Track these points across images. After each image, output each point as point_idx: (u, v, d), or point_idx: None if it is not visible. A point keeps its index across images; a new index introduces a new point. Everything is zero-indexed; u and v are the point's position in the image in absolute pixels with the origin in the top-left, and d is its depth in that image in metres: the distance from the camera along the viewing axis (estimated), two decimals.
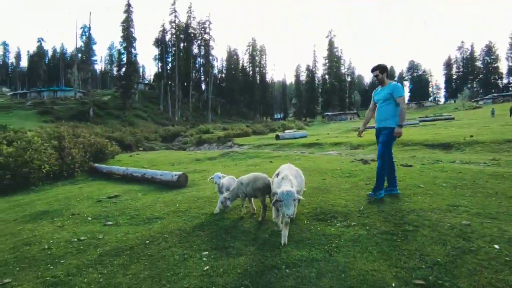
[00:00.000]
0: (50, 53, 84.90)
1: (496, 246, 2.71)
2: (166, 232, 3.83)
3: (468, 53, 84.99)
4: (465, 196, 4.23)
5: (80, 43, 63.44)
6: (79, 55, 65.03)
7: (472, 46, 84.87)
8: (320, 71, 78.25)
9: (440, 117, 34.96)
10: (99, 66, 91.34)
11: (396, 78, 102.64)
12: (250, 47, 79.69)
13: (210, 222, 4.08)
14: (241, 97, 73.79)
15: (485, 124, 20.43)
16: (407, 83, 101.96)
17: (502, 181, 4.82)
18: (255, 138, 26.76)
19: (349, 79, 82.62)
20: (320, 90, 77.11)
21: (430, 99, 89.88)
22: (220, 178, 4.56)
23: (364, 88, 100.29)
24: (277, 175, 3.52)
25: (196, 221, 4.16)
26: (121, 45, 50.44)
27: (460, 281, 2.33)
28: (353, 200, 4.43)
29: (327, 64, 74.38)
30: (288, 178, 3.29)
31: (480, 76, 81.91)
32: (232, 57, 78.56)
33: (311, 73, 78.15)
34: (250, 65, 79.79)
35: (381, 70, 4.54)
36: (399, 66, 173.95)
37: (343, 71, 78.76)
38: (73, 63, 59.05)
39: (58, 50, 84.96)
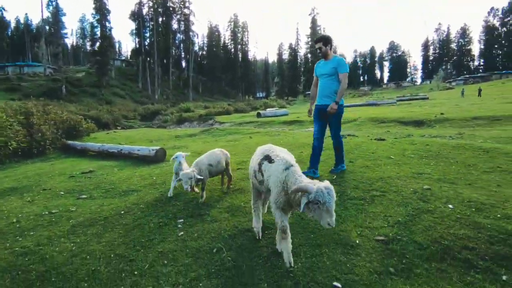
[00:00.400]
0: (13, 24, 78.26)
1: (450, 206, 2.94)
2: (142, 203, 3.84)
3: (444, 35, 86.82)
4: (429, 165, 4.49)
5: (46, 14, 58.72)
6: (47, 27, 60.31)
7: (448, 28, 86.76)
8: (303, 50, 77.47)
9: (416, 96, 36.08)
10: (70, 40, 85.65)
11: (376, 58, 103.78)
12: (232, 23, 77.23)
13: (186, 192, 4.11)
14: (222, 75, 72.17)
15: (455, 103, 21.36)
16: (386, 63, 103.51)
17: (463, 152, 5.14)
18: (237, 116, 26.62)
19: None
20: (302, 69, 76.70)
21: (407, 80, 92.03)
22: (183, 158, 4.22)
23: None
24: (268, 158, 2.65)
25: (173, 192, 4.17)
26: (94, 17, 47.34)
27: (416, 236, 2.53)
28: (327, 170, 4.59)
29: (310, 43, 73.65)
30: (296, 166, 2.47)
31: (454, 58, 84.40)
32: (213, 33, 75.91)
33: (293, 51, 77.34)
34: (232, 42, 77.67)
35: (324, 42, 4.19)
36: (380, 47, 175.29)
37: None
38: (40, 36, 54.75)
39: (22, 21, 78.47)
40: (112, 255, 2.67)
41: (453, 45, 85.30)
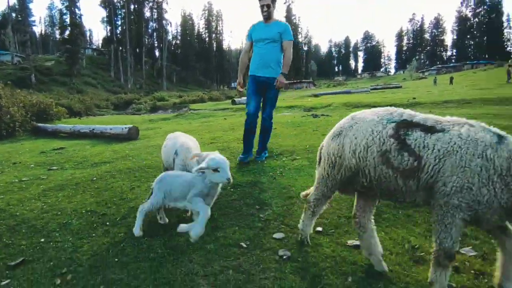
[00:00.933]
0: None
1: None
2: (114, 171, 3.83)
3: (418, 25, 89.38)
4: None
5: (13, 1, 54.80)
6: (13, 14, 56.23)
7: (422, 18, 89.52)
8: None
9: (389, 85, 37.19)
10: (38, 29, 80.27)
11: (351, 48, 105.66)
12: (206, 12, 75.56)
13: (159, 162, 4.12)
14: (197, 65, 70.62)
15: (427, 91, 22.35)
16: (361, 54, 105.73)
17: None
18: (211, 104, 26.31)
19: (306, 48, 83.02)
20: None
21: (381, 70, 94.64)
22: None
23: (321, 57, 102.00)
24: (419, 125, 1.46)
25: (146, 162, 4.18)
26: (63, 4, 44.95)
27: None
28: (301, 141, 4.76)
29: None
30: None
31: (428, 48, 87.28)
32: (187, 22, 73.94)
33: None
34: (206, 31, 76.12)
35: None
36: (355, 36, 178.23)
37: (300, 39, 78.64)
38: (7, 23, 51.04)
39: None
40: (83, 211, 2.68)
41: (427, 35, 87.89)
